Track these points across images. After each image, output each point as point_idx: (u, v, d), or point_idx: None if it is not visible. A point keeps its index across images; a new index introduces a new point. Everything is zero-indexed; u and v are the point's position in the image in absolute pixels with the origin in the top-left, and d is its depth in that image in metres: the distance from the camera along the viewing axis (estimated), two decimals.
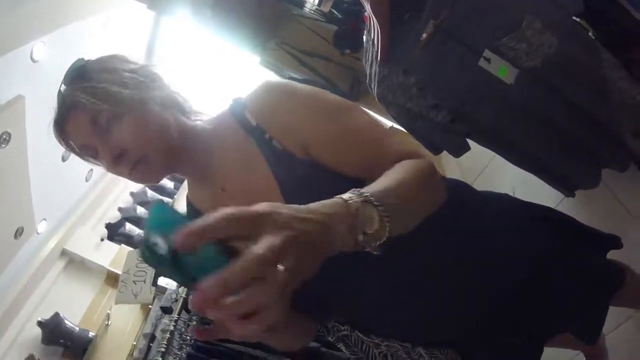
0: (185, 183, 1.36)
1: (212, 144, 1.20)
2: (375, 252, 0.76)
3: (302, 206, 0.70)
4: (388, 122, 4.81)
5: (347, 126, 1.12)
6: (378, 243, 0.76)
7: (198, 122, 1.24)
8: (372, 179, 0.95)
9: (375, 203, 0.77)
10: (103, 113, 1.09)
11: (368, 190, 0.79)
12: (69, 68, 1.17)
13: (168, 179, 7.04)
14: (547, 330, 1.32)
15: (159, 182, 1.22)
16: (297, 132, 1.11)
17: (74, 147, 1.16)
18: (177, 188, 7.06)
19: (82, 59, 1.20)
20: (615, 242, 1.49)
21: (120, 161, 1.11)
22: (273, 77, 5.22)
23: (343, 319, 1.23)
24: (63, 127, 1.15)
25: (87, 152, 1.15)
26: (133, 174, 1.13)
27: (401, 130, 2.01)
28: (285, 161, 1.11)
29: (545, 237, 1.33)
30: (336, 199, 0.75)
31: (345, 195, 0.76)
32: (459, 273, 1.18)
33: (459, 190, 1.31)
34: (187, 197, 1.32)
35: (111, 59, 1.21)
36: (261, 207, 0.65)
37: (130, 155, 1.11)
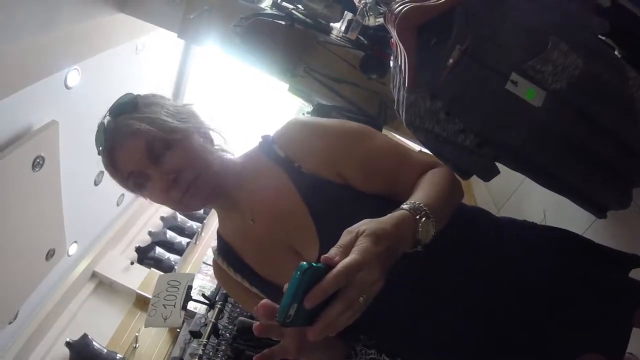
0: (213, 210, 1.40)
1: (242, 178, 1.27)
2: (420, 250, 0.92)
3: (380, 227, 0.84)
4: (416, 147, 4.81)
5: (374, 147, 1.22)
6: (424, 244, 0.93)
7: (229, 156, 1.32)
8: (396, 192, 1.13)
9: (431, 217, 0.94)
10: (158, 139, 1.15)
11: (422, 202, 0.95)
12: (118, 101, 1.22)
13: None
14: (569, 352, 1.30)
15: (201, 209, 1.28)
16: (330, 159, 1.20)
17: (121, 174, 1.20)
18: (206, 213, 7.13)
19: (131, 93, 1.25)
20: (636, 261, 1.47)
21: (175, 184, 1.16)
22: (301, 102, 5.27)
23: (370, 341, 1.24)
24: (113, 154, 1.19)
25: (135, 179, 1.19)
26: (185, 197, 1.18)
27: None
28: (315, 185, 1.18)
29: (562, 258, 1.33)
30: (405, 213, 0.92)
31: (410, 209, 0.93)
32: (476, 297, 1.20)
33: (475, 218, 1.36)
34: (218, 231, 1.37)
35: (155, 96, 1.28)
36: (353, 254, 0.77)
37: (185, 176, 1.16)
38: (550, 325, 1.25)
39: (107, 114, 1.23)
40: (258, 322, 0.77)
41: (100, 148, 1.21)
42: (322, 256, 0.76)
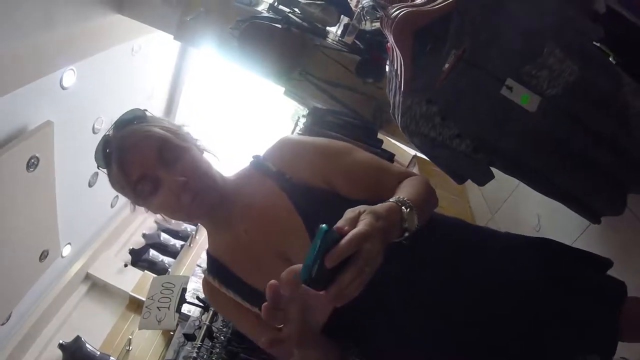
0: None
1: (236, 192, 1.32)
2: (405, 242, 1.00)
3: (376, 209, 0.93)
4: (412, 151, 4.82)
5: (357, 160, 1.34)
6: (408, 235, 1.00)
7: (223, 174, 1.36)
8: (379, 198, 1.14)
9: (415, 209, 1.02)
10: (170, 144, 1.22)
11: (407, 198, 1.04)
12: (127, 113, 1.28)
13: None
14: (562, 354, 1.32)
15: (202, 219, 1.33)
16: (319, 171, 1.29)
17: (130, 180, 1.20)
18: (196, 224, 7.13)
19: (139, 108, 1.31)
20: (608, 264, 1.50)
21: (186, 188, 1.19)
22: (296, 105, 5.28)
23: (361, 353, 1.26)
24: (124, 158, 1.20)
25: (144, 185, 1.20)
26: (195, 201, 1.21)
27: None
28: (305, 193, 1.26)
29: (543, 259, 1.39)
30: (392, 204, 1.00)
31: (395, 202, 1.01)
32: (459, 301, 1.25)
33: (457, 230, 1.43)
34: (207, 251, 1.39)
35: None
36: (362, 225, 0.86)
37: (194, 184, 1.20)
38: (540, 329, 1.27)
39: (112, 127, 1.26)
40: (266, 303, 0.81)
41: (106, 154, 1.24)
42: (335, 226, 0.84)
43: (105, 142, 1.25)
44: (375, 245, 0.85)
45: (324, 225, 0.80)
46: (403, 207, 1.01)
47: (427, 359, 1.27)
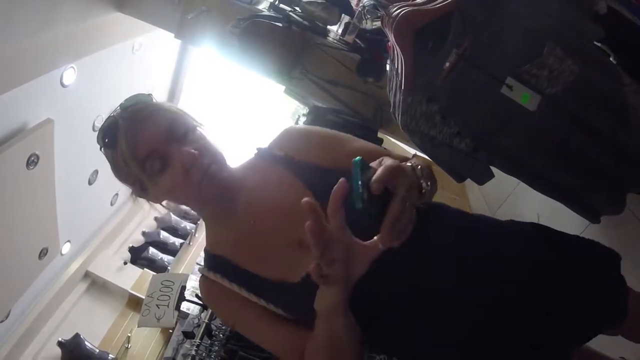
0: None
1: (242, 181, 1.30)
2: (422, 206, 1.02)
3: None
4: (412, 150, 4.82)
5: (361, 144, 1.37)
6: (423, 199, 1.02)
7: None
8: None
9: (426, 172, 1.04)
10: (180, 121, 1.22)
11: (416, 163, 1.05)
12: (133, 97, 1.26)
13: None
14: (572, 339, 1.33)
15: (212, 199, 1.26)
16: (327, 153, 1.31)
17: (138, 157, 1.17)
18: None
19: (144, 93, 1.29)
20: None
21: (195, 164, 1.17)
22: (297, 104, 5.28)
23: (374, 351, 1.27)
24: (134, 134, 1.17)
25: (153, 162, 1.17)
26: (206, 178, 1.18)
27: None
28: (316, 172, 1.26)
29: (539, 240, 1.41)
30: (405, 164, 0.99)
31: (409, 163, 1.03)
32: (468, 296, 1.23)
33: (460, 217, 1.43)
34: (205, 249, 1.34)
35: None
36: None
37: (203, 160, 1.18)
38: (550, 303, 1.28)
39: (118, 108, 1.23)
40: (309, 222, 0.83)
41: (107, 140, 1.21)
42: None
43: (111, 122, 1.21)
44: (406, 180, 0.89)
45: (357, 157, 0.83)
46: (416, 166, 1.04)
47: (436, 348, 1.27)
